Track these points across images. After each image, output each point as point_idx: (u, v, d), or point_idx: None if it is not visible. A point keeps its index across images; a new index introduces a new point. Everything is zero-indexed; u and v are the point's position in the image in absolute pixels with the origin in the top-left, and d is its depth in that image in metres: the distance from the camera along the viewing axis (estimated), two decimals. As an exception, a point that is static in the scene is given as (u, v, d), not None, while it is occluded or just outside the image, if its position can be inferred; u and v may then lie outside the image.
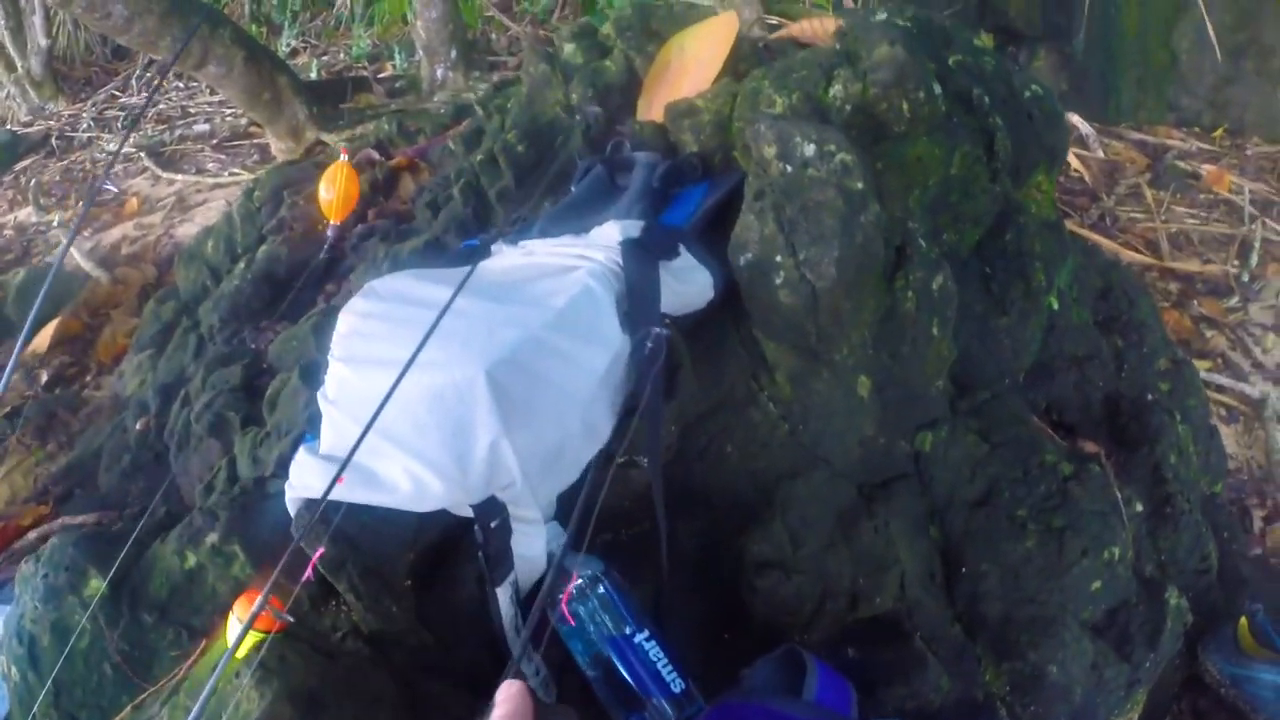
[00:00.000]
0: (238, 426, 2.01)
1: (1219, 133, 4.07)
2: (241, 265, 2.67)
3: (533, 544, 1.38)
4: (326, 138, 3.43)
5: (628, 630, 1.42)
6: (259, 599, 1.11)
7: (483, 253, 1.65)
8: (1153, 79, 4.11)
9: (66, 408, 2.99)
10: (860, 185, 1.68)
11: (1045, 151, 2.28)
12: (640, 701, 1.42)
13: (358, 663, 1.33)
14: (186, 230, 3.64)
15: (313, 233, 2.56)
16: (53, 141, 5.11)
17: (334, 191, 2.03)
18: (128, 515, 2.31)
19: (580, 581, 1.42)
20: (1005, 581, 1.78)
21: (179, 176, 4.10)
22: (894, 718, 1.59)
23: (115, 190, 4.25)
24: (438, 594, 1.44)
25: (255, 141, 4.27)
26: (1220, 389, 3.09)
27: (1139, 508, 1.99)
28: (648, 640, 1.42)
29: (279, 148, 3.59)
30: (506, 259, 1.61)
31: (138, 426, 2.53)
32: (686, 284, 1.59)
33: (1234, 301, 3.36)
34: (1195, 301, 3.35)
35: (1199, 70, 4.06)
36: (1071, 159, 3.73)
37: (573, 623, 1.41)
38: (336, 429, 1.35)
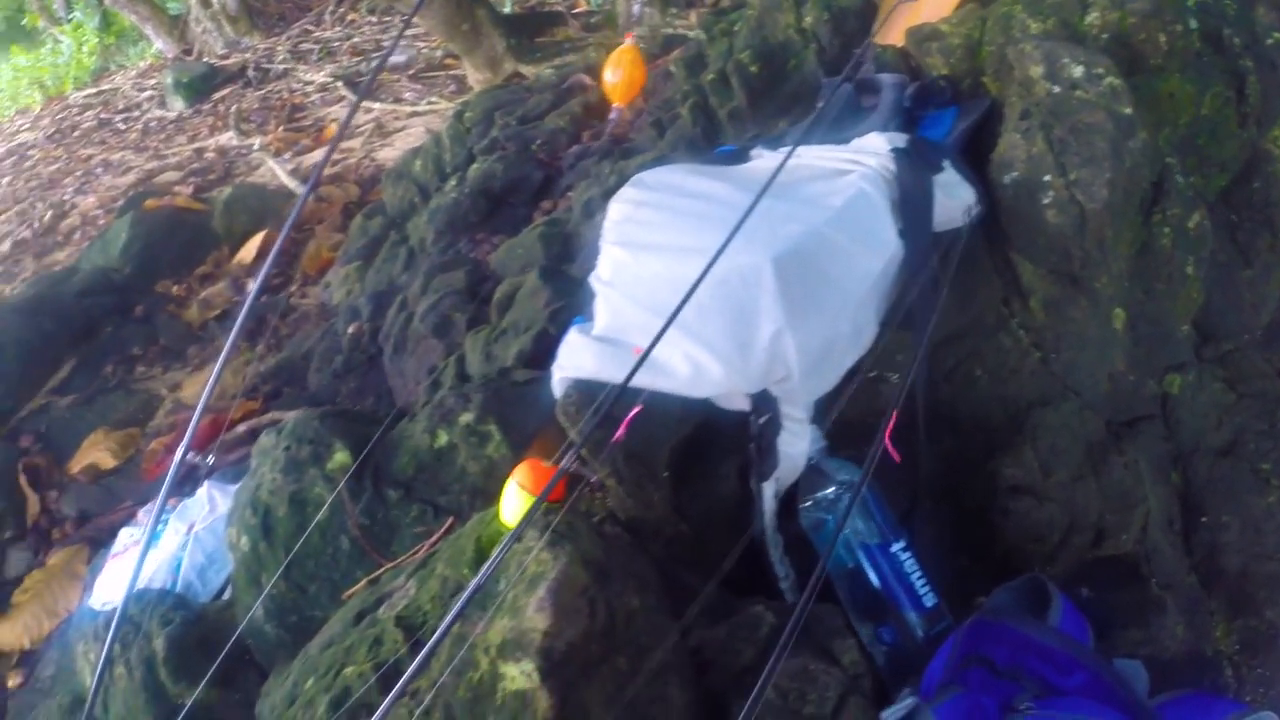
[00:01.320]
0: (463, 326, 2.01)
1: None
2: (452, 182, 2.68)
3: (797, 443, 1.33)
4: (524, 69, 3.42)
5: (884, 539, 1.36)
6: (560, 463, 1.09)
7: (743, 156, 1.60)
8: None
9: (274, 312, 3.05)
10: (1129, 110, 1.58)
11: (1288, 104, 2.12)
12: (888, 613, 1.36)
13: (623, 546, 1.30)
14: (386, 154, 3.68)
15: (527, 152, 2.55)
16: (249, 73, 5.24)
17: (620, 75, 1.97)
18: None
19: (837, 486, 1.36)
20: (1245, 534, 1.66)
21: (376, 105, 4.15)
22: (1136, 659, 1.50)
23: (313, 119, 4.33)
24: (694, 487, 1.40)
25: (451, 73, 4.29)
26: None
27: (1383, 476, 1.85)
28: (904, 551, 1.35)
29: (476, 79, 3.60)
30: (772, 161, 1.55)
31: (350, 330, 2.57)
32: (952, 198, 1.51)
33: None
34: None
35: None
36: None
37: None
38: (613, 309, 1.31)
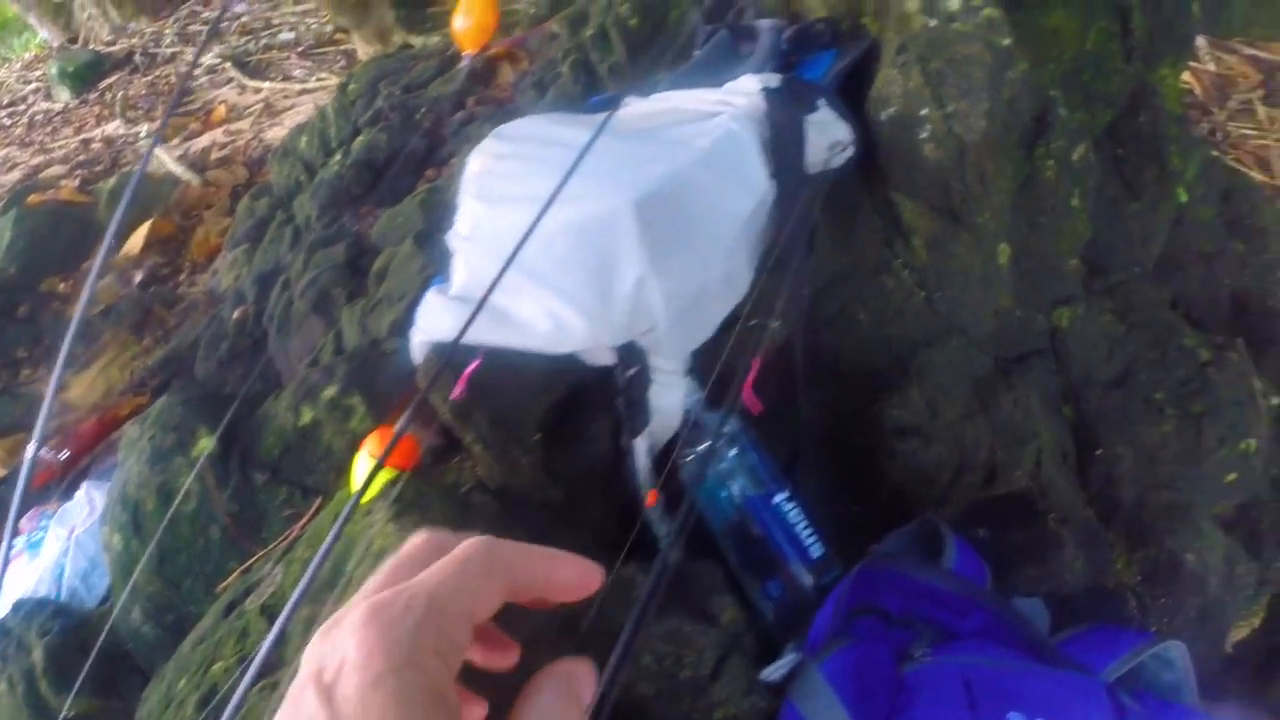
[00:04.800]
0: (343, 302, 1.93)
1: (1338, 52, 3.81)
2: (338, 157, 2.59)
3: (670, 396, 1.28)
4: (414, 40, 3.32)
5: (766, 491, 1.31)
6: (398, 426, 1.02)
7: (615, 103, 1.54)
8: (1268, -7, 3.85)
9: (161, 304, 2.94)
10: (1007, 41, 1.54)
11: (1174, 41, 2.12)
12: (775, 567, 1.32)
13: (489, 515, 1.23)
14: (275, 134, 3.56)
15: (412, 121, 2.47)
16: (136, 58, 5.05)
17: (470, 20, 1.87)
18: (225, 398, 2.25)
19: (716, 439, 1.31)
20: (1140, 465, 1.65)
21: (265, 84, 4.01)
22: (1035, 597, 1.48)
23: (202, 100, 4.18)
24: (566, 450, 1.34)
25: (341, 48, 4.16)
26: (1332, 311, 2.90)
27: (1274, 402, 1.86)
28: (787, 501, 1.31)
29: (366, 52, 3.49)
30: (642, 106, 1.49)
31: (235, 315, 2.47)
32: (826, 138, 1.46)
33: (1349, 224, 3.16)
34: (1308, 222, 3.16)
35: (1318, -13, 3.80)
36: (1180, 70, 3.51)
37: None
38: (471, 266, 1.25)
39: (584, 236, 1.17)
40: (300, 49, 4.25)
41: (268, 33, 4.46)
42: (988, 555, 1.50)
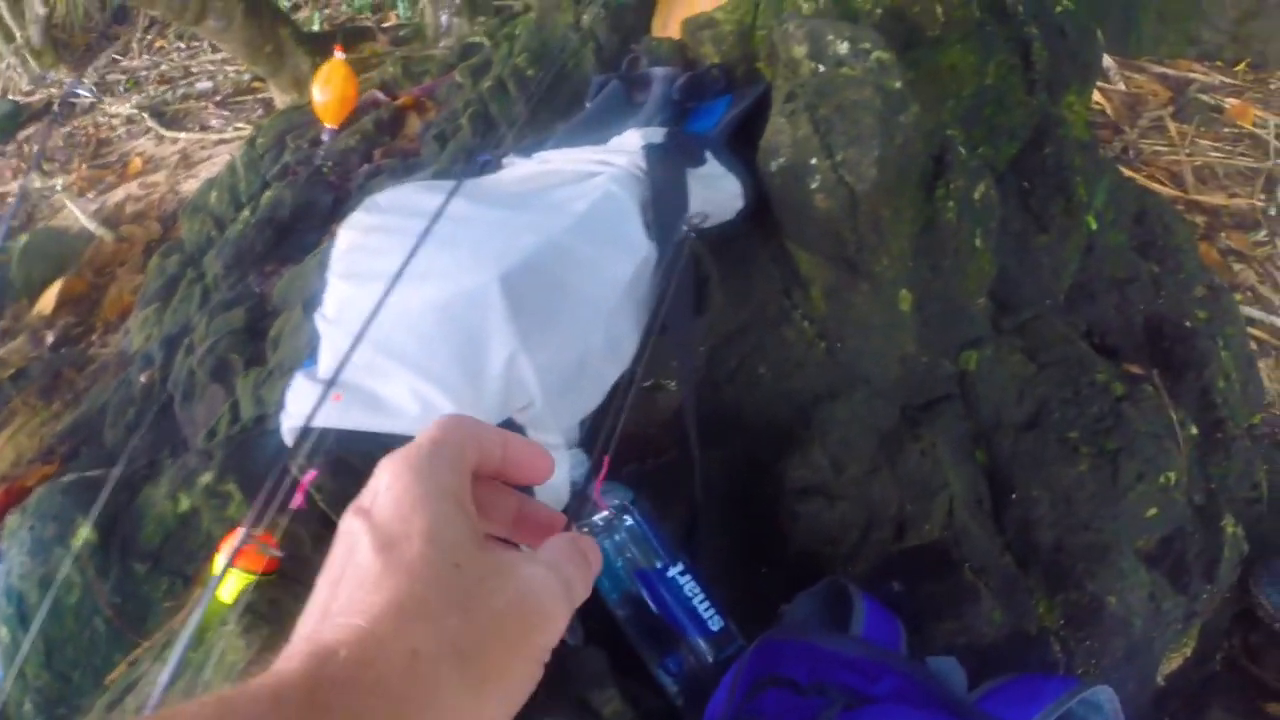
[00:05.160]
0: (241, 369, 1.86)
1: (1242, 66, 3.86)
2: (246, 212, 2.52)
3: (555, 471, 1.22)
4: (329, 87, 3.26)
5: (659, 564, 1.27)
6: (240, 532, 0.96)
7: (492, 165, 1.49)
8: (1174, 12, 3.90)
9: (72, 366, 2.85)
10: (898, 84, 1.52)
11: (1079, 69, 2.11)
12: (675, 641, 1.27)
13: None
14: (191, 187, 3.48)
15: (318, 175, 2.40)
16: (54, 108, 4.94)
17: (329, 93, 1.81)
18: (132, 469, 2.17)
19: (606, 512, 1.26)
20: (1057, 507, 1.62)
21: (182, 135, 3.93)
22: (948, 655, 1.43)
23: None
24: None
25: (259, 96, 4.09)
26: (1251, 322, 2.93)
27: (1193, 431, 1.84)
28: (682, 574, 1.26)
29: (283, 100, 3.43)
30: (521, 169, 1.44)
31: (142, 379, 2.39)
32: (715, 192, 1.42)
33: (1261, 235, 3.20)
34: (1222, 234, 3.18)
35: (1221, 4, 3.85)
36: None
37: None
38: (335, 350, 1.19)
39: (449, 314, 1.12)
40: (218, 98, 4.17)
41: (185, 82, 4.37)
42: (903, 610, 1.46)
